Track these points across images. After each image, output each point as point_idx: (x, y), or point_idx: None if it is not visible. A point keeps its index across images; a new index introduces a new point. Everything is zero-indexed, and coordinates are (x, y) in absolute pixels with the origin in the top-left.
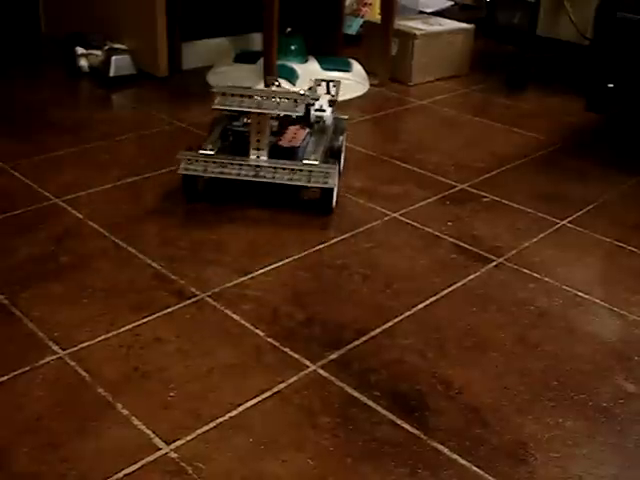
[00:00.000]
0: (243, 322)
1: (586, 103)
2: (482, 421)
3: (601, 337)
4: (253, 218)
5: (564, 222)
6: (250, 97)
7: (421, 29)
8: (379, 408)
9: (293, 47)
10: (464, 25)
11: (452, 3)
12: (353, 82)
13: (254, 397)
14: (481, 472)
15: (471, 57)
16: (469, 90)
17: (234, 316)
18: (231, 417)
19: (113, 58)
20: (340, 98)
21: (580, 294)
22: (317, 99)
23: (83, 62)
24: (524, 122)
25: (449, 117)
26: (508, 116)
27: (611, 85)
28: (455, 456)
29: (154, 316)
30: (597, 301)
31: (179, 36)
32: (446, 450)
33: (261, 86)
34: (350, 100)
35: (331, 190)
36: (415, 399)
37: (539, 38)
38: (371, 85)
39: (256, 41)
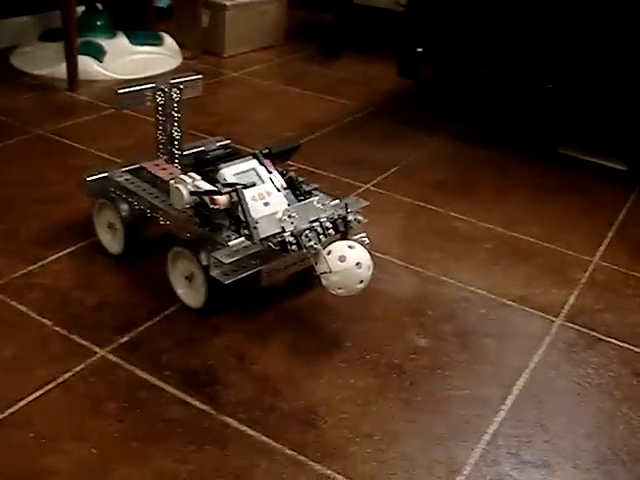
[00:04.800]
0: (29, 312)
1: (398, 68)
2: (273, 390)
3: (397, 295)
4: (42, 202)
5: (368, 186)
6: None
7: (232, 0)
8: (169, 388)
9: (99, 23)
10: None
11: None
12: (165, 56)
13: (37, 390)
14: (269, 440)
15: (287, 27)
16: (284, 60)
17: (20, 307)
18: (11, 414)
19: None
20: (152, 72)
21: (378, 254)
22: None
23: None
24: (338, 89)
25: (262, 88)
26: (322, 84)
27: (420, 49)
28: (244, 427)
29: None
30: (395, 260)
31: None
32: (235, 423)
33: None
34: (162, 75)
35: None
36: (207, 374)
37: (356, 6)
38: (184, 59)
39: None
